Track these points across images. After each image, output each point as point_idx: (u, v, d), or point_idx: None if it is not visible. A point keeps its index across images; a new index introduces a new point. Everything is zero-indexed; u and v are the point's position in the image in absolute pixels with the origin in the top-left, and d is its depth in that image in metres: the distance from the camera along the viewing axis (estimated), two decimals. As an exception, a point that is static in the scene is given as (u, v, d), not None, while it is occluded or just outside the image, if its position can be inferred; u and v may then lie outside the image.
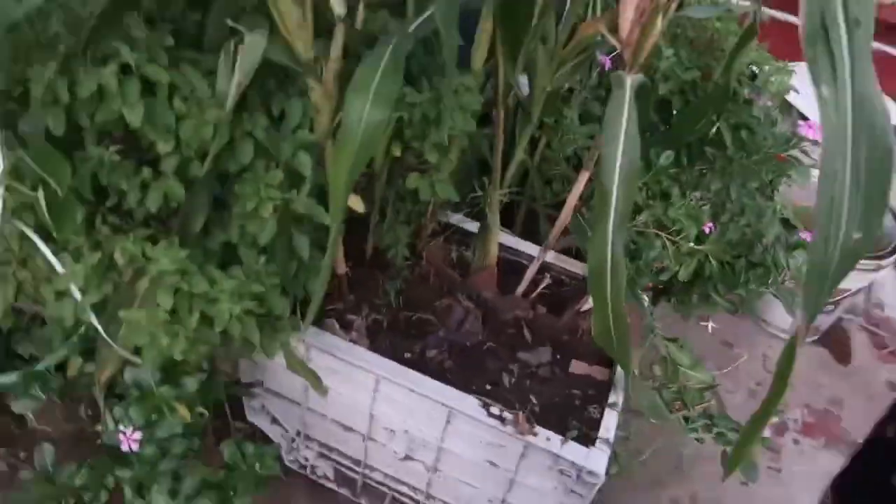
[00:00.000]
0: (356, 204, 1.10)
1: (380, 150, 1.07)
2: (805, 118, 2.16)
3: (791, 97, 1.73)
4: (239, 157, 0.97)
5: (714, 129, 1.53)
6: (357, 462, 1.48)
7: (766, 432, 1.91)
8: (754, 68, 1.61)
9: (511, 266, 1.51)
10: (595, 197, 1.04)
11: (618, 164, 1.00)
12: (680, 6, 1.02)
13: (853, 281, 2.06)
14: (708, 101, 1.50)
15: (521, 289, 1.38)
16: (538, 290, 1.41)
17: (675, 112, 1.63)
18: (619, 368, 1.38)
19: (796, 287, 1.60)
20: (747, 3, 2.18)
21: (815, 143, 1.47)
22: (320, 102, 0.98)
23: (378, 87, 0.81)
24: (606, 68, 1.54)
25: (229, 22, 0.91)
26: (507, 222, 1.65)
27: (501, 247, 1.49)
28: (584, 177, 1.18)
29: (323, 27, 0.93)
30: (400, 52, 0.87)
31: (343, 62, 0.96)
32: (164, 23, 0.95)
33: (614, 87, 1.04)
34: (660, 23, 0.98)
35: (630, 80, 1.03)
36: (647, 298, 1.49)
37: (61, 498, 1.08)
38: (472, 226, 1.53)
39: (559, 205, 1.59)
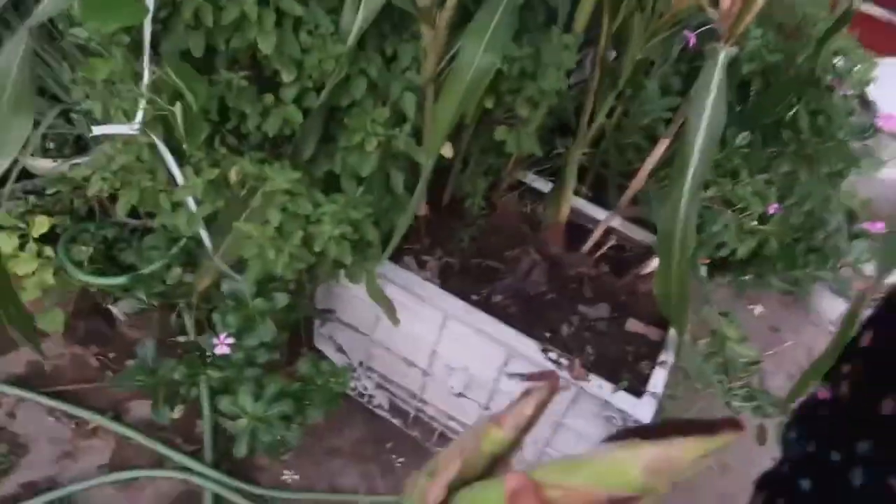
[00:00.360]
0: (446, 149, 1.18)
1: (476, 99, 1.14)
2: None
3: (871, 89, 1.74)
4: (352, 91, 1.05)
5: (792, 113, 1.56)
6: (413, 395, 1.58)
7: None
8: (838, 59, 1.63)
9: (578, 227, 1.57)
10: (675, 161, 1.09)
11: (702, 131, 1.05)
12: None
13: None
14: (791, 83, 1.53)
15: (586, 247, 1.45)
16: (602, 250, 1.48)
17: (753, 93, 1.66)
18: (671, 332, 1.44)
19: (853, 276, 1.63)
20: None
21: (893, 136, 1.49)
22: (430, 48, 1.05)
23: (493, 32, 0.88)
24: (690, 44, 1.57)
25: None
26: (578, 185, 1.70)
27: (570, 208, 1.55)
28: (662, 145, 1.23)
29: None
30: (514, 2, 0.93)
31: (455, 11, 1.02)
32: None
33: (707, 58, 1.09)
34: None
35: (724, 53, 1.07)
36: (704, 270, 1.55)
37: (158, 387, 1.20)
38: (544, 185, 1.60)
39: (628, 174, 1.64)
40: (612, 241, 1.55)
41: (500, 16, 0.90)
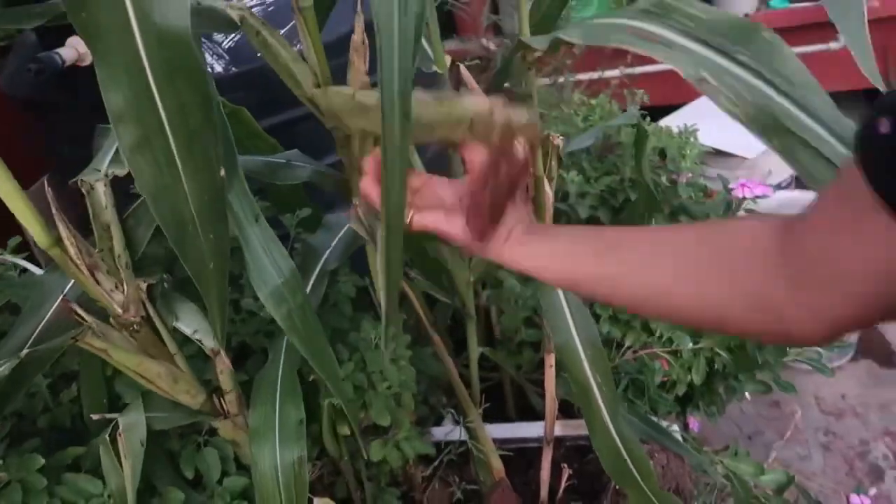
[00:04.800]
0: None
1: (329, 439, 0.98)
2: (721, 152, 2.19)
3: (702, 139, 1.73)
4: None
5: (653, 228, 1.50)
6: None
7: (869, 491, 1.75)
8: (663, 150, 1.61)
9: (522, 457, 1.40)
10: (575, 392, 0.95)
11: (581, 350, 0.93)
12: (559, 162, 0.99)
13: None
14: (635, 208, 1.48)
15: (544, 491, 1.26)
16: (563, 484, 1.28)
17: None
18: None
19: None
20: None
21: (755, 199, 1.44)
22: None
23: (281, 420, 0.73)
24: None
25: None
26: (499, 407, 1.55)
27: (504, 441, 1.38)
28: (550, 358, 1.10)
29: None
30: (292, 362, 0.80)
31: (238, 388, 0.88)
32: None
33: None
34: (549, 188, 0.95)
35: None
36: (677, 429, 1.38)
37: None
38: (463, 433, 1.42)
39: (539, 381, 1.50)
40: (567, 456, 1.38)
41: (282, 390, 0.76)
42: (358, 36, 0.91)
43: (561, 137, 0.99)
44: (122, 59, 0.49)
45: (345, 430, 0.98)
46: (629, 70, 2.36)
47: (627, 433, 0.92)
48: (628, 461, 0.92)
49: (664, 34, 0.65)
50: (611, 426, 0.91)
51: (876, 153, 0.39)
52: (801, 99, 0.59)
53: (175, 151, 0.54)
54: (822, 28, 2.29)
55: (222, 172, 0.59)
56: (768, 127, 0.58)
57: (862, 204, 0.39)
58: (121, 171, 0.74)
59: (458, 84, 1.00)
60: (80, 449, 0.87)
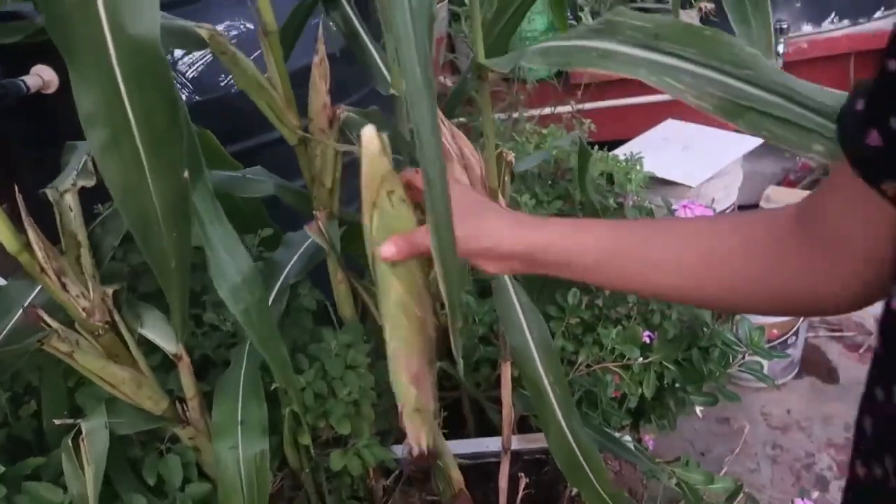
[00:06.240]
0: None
1: (290, 450, 0.99)
2: (667, 181, 2.29)
3: (648, 168, 1.82)
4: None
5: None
6: None
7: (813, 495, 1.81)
8: (610, 175, 1.69)
9: (482, 471, 1.42)
10: (530, 393, 0.99)
11: (534, 351, 0.97)
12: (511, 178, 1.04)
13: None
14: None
15: (502, 500, 1.28)
16: (521, 493, 1.31)
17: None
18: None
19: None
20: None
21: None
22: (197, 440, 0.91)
23: (244, 417, 0.76)
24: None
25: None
26: (458, 423, 1.58)
27: (462, 457, 1.40)
28: (507, 368, 1.14)
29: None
30: (254, 364, 0.82)
31: (201, 394, 0.90)
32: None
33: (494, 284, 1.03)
34: (502, 200, 1.01)
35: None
36: (629, 440, 1.43)
37: None
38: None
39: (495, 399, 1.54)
40: (524, 469, 1.41)
41: (245, 390, 0.78)
42: (319, 56, 0.93)
43: (513, 154, 1.05)
44: (94, 65, 0.52)
45: (306, 440, 1.00)
46: (580, 105, 2.45)
47: (579, 430, 0.95)
48: (580, 457, 0.96)
49: (620, 49, 0.68)
50: (563, 424, 0.95)
51: (850, 125, 0.44)
52: (751, 77, 0.63)
53: (142, 152, 0.58)
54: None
55: (186, 174, 0.62)
56: (732, 110, 0.63)
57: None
58: (88, 182, 0.77)
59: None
60: (39, 459, 0.87)
